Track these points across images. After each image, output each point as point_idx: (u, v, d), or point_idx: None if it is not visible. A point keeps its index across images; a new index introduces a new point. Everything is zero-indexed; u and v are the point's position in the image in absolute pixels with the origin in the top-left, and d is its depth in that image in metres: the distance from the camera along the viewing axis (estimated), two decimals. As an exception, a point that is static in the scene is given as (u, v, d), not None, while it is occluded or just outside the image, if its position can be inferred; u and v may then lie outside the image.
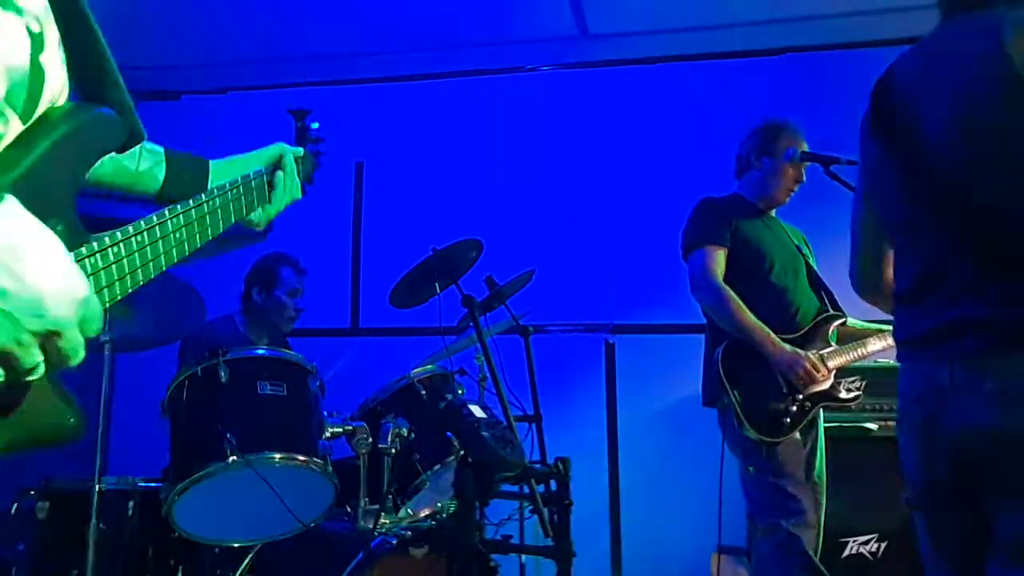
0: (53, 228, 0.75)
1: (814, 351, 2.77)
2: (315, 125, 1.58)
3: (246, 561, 2.38)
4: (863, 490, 3.22)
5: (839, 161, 2.78)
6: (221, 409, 2.24)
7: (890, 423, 3.34)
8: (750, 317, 2.72)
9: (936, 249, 1.49)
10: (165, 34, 4.21)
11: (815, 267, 3.01)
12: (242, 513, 2.29)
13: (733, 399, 2.69)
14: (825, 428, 3.30)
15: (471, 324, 2.68)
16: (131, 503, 2.45)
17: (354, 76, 4.67)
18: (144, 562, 2.46)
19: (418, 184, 4.51)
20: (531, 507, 2.34)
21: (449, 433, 2.30)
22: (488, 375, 2.73)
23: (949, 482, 1.47)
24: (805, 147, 2.95)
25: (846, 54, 4.19)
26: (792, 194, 2.98)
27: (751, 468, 2.72)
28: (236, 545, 2.33)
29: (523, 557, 3.21)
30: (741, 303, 2.74)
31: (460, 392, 2.67)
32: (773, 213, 3.04)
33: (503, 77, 4.60)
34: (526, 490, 2.36)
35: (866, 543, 3.19)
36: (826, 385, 2.76)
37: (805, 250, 3.04)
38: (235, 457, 2.14)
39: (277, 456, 2.21)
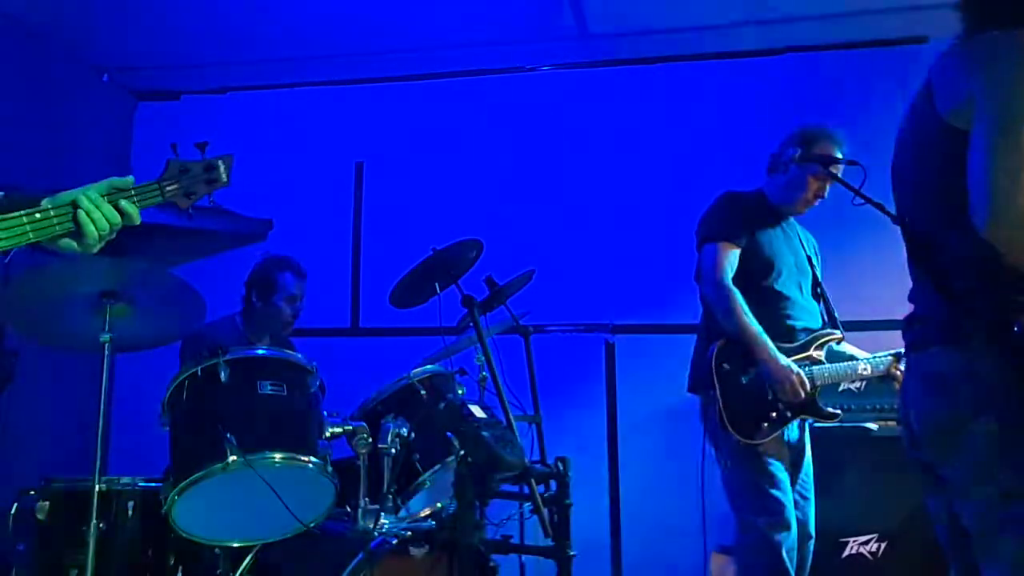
0: None
1: (805, 367, 2.79)
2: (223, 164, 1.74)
3: (246, 561, 2.38)
4: (863, 490, 3.22)
5: (839, 161, 2.78)
6: (221, 409, 2.24)
7: (890, 423, 3.34)
8: (751, 320, 2.74)
9: (907, 260, 1.71)
10: (165, 34, 4.21)
11: (820, 279, 3.01)
12: (242, 513, 2.29)
13: (718, 396, 2.74)
14: (825, 428, 3.31)
15: (471, 324, 2.68)
16: (131, 503, 2.45)
17: (354, 76, 4.67)
18: (144, 562, 2.46)
19: (418, 184, 4.51)
20: (531, 507, 2.34)
21: (449, 433, 2.30)
22: (488, 375, 2.72)
23: (918, 464, 1.63)
24: (831, 180, 2.88)
25: (846, 54, 4.19)
26: (811, 207, 2.94)
27: (727, 463, 2.77)
28: (236, 545, 2.33)
29: (523, 557, 3.21)
30: (744, 305, 2.75)
31: (460, 392, 2.67)
32: (791, 218, 3.04)
33: (503, 77, 4.60)
34: (526, 490, 2.36)
35: (866, 543, 3.19)
36: (810, 399, 2.78)
37: (815, 260, 3.05)
38: (235, 457, 2.14)
39: (277, 456, 2.21)
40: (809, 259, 2.99)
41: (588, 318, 4.18)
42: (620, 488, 4.03)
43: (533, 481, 2.30)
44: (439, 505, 2.64)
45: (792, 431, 2.86)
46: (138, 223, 1.54)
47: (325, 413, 2.38)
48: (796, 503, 2.81)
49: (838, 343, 2.93)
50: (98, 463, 2.31)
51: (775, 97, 4.20)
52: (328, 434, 2.33)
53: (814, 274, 2.98)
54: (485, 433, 1.97)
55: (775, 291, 2.85)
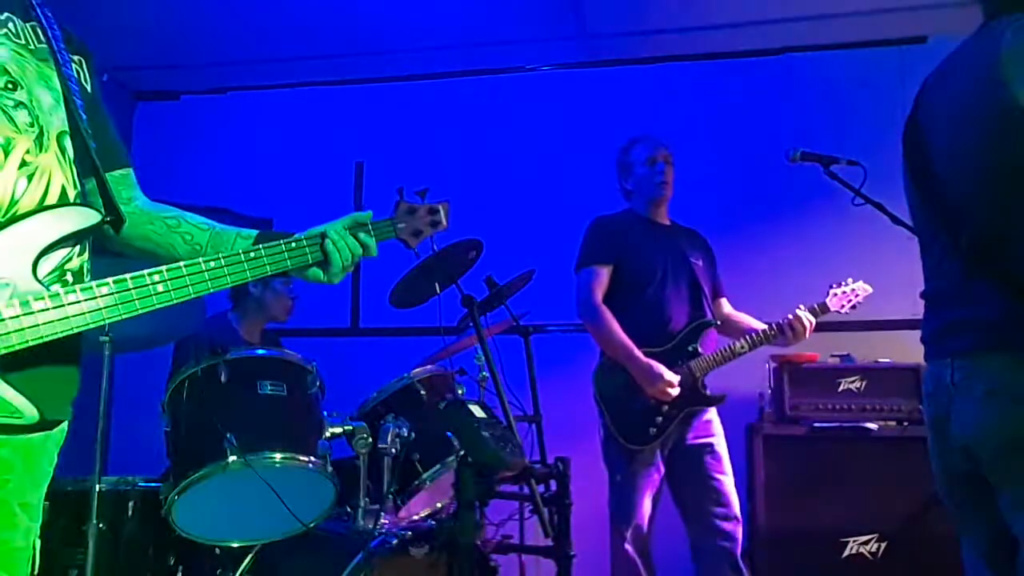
0: (3, 286, 1.21)
1: (681, 361, 2.97)
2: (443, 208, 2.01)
3: (246, 561, 2.38)
4: (863, 490, 3.22)
5: (839, 161, 2.78)
6: (221, 409, 2.23)
7: (890, 423, 3.35)
8: (618, 336, 2.97)
9: (942, 259, 1.56)
10: (165, 34, 4.21)
11: (699, 275, 3.13)
12: (242, 513, 2.29)
13: (605, 412, 3.00)
14: (825, 428, 3.32)
15: (471, 324, 2.68)
16: (131, 503, 2.45)
17: (354, 76, 4.67)
18: (144, 562, 2.46)
19: (418, 184, 4.50)
20: (531, 507, 2.34)
21: (449, 433, 2.30)
22: (488, 375, 2.72)
23: (964, 477, 1.50)
24: (663, 151, 3.17)
25: (846, 54, 4.19)
26: (665, 186, 3.14)
27: (618, 477, 3.00)
28: (236, 545, 2.33)
29: (523, 557, 3.20)
30: (613, 323, 2.99)
31: (460, 392, 2.67)
32: (667, 220, 3.22)
33: (503, 77, 4.60)
34: (526, 490, 2.35)
35: (866, 543, 3.19)
36: (691, 390, 2.96)
37: (700, 253, 3.19)
38: (235, 457, 2.14)
39: (277, 456, 2.21)
40: (687, 257, 3.13)
41: (588, 318, 4.17)
42: (620, 488, 4.02)
43: (533, 481, 2.30)
44: (439, 505, 2.64)
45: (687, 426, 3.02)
46: (375, 255, 1.71)
47: (325, 413, 2.38)
48: (711, 486, 2.97)
49: (710, 328, 3.08)
50: (98, 463, 2.31)
51: (775, 97, 4.20)
52: (328, 434, 2.33)
53: (693, 271, 3.12)
54: (485, 433, 1.97)
55: (651, 296, 3.04)
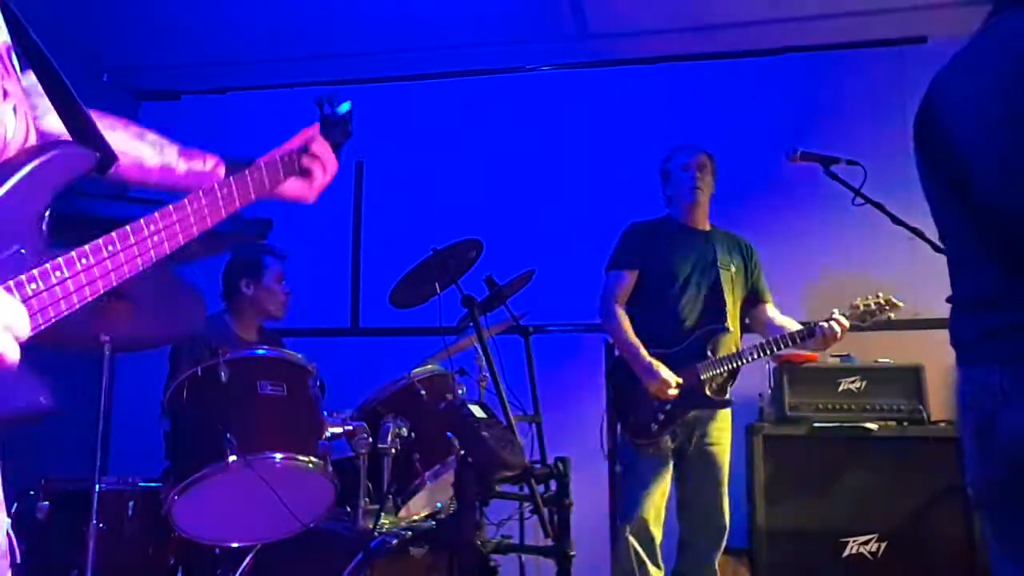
0: (16, 252, 1.00)
1: (690, 363, 3.00)
2: (345, 107, 1.89)
3: (246, 561, 2.38)
4: (863, 490, 3.22)
5: (839, 161, 2.79)
6: (221, 409, 2.24)
7: (890, 423, 3.35)
8: (626, 336, 3.04)
9: (974, 260, 1.51)
10: (165, 34, 4.21)
11: (721, 281, 3.13)
12: (242, 513, 2.30)
13: (613, 407, 3.10)
14: (825, 428, 3.32)
15: (471, 324, 2.68)
16: (131, 503, 2.46)
17: (354, 76, 4.67)
18: (144, 562, 2.46)
19: (418, 184, 4.51)
20: (531, 507, 2.34)
21: (449, 433, 2.30)
22: (488, 375, 2.72)
23: (1005, 483, 1.46)
24: (699, 157, 3.18)
25: (846, 54, 4.19)
26: (698, 191, 3.16)
27: (619, 468, 3.10)
28: (236, 545, 2.33)
29: (523, 557, 3.20)
30: (625, 323, 3.07)
31: (460, 392, 2.67)
32: (706, 226, 3.23)
33: (503, 77, 4.60)
34: (526, 490, 2.36)
35: (866, 543, 3.19)
36: (693, 392, 2.99)
37: (735, 260, 3.20)
38: (235, 457, 2.14)
39: (277, 456, 2.21)
40: (715, 263, 3.15)
41: (588, 318, 4.17)
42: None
43: (533, 481, 2.30)
44: (439, 505, 2.64)
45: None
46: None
47: (325, 413, 2.38)
48: (714, 492, 3.01)
49: (724, 334, 3.08)
50: (98, 463, 2.31)
51: (775, 97, 4.20)
52: (328, 434, 2.33)
53: (718, 277, 3.13)
54: (485, 433, 1.98)
55: (671, 300, 3.09)
